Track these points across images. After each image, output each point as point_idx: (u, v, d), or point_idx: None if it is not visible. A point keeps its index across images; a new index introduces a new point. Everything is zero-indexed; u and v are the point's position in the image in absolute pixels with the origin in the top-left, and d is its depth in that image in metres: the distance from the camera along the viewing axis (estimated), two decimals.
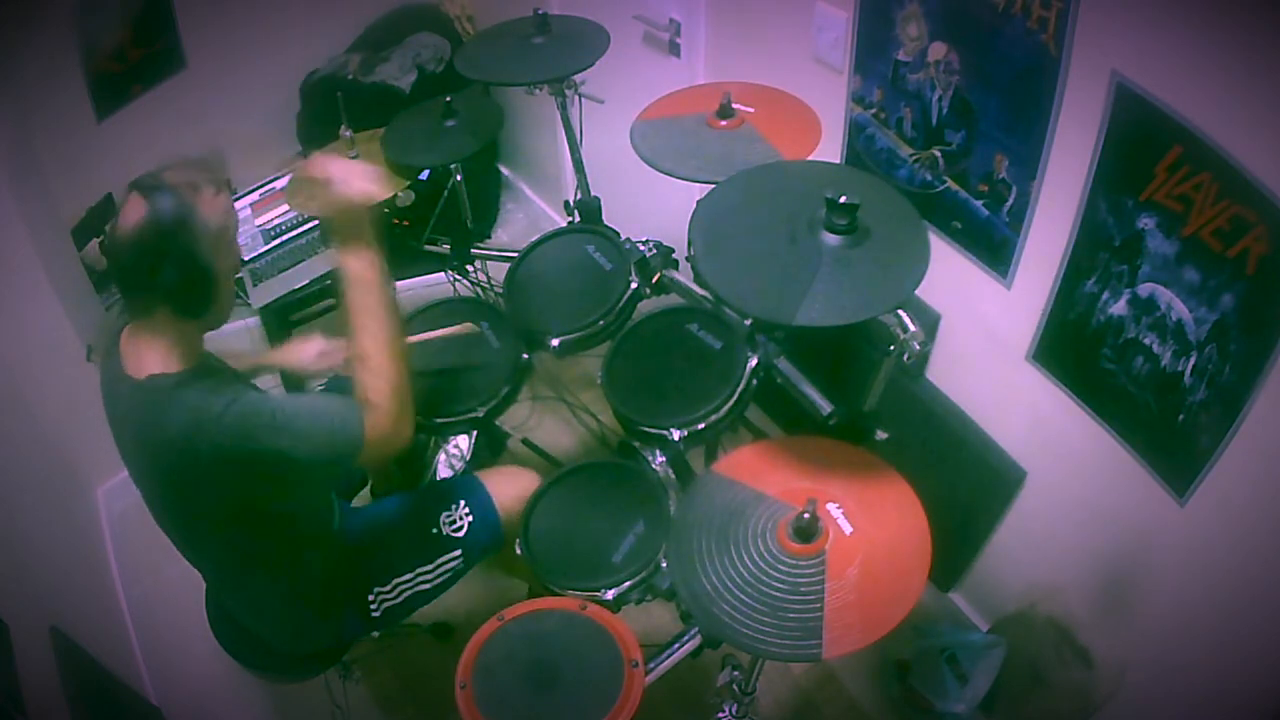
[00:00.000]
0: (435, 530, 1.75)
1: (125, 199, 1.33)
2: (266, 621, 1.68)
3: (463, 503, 1.79)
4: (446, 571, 1.75)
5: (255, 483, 1.38)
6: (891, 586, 1.21)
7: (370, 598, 1.69)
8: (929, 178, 1.86)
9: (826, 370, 1.72)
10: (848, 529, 1.26)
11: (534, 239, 2.08)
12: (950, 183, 1.82)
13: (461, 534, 1.76)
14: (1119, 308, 1.58)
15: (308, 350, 1.84)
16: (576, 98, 2.12)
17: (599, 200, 2.17)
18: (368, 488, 2.21)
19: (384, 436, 1.43)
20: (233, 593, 1.68)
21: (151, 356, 1.37)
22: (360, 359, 1.46)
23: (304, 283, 2.79)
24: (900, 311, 1.41)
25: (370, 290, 1.47)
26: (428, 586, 1.73)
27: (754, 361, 1.70)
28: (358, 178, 1.49)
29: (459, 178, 2.35)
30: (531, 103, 2.60)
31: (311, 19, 3.10)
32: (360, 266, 1.47)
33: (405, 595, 1.72)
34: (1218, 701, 1.59)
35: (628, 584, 1.60)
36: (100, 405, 1.49)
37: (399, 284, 2.58)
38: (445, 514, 1.77)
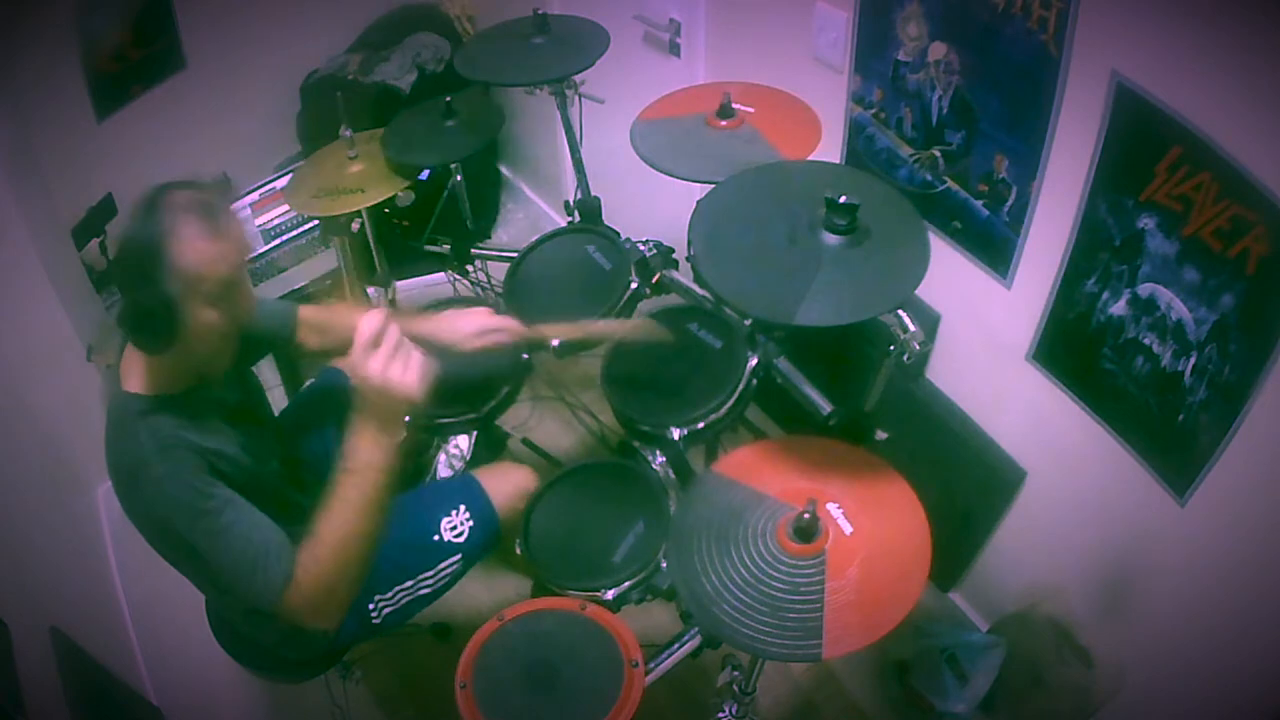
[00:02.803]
0: (436, 537, 1.74)
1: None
2: (262, 631, 1.67)
3: (463, 507, 1.78)
4: (446, 575, 1.74)
5: (183, 547, 1.31)
6: (891, 586, 1.21)
7: (370, 605, 1.68)
8: (929, 178, 1.86)
9: (826, 370, 1.72)
10: (848, 529, 1.26)
11: (534, 239, 2.08)
12: (950, 183, 1.82)
13: (462, 539, 1.75)
14: (1119, 308, 1.58)
15: (468, 322, 1.69)
16: (576, 98, 2.11)
17: (599, 200, 2.17)
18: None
19: (297, 614, 1.34)
20: (221, 604, 1.67)
21: (134, 372, 1.35)
22: (311, 536, 1.33)
23: (304, 283, 2.80)
24: (900, 311, 1.41)
25: (365, 484, 1.32)
26: (428, 591, 1.73)
27: (754, 361, 1.70)
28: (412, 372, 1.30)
29: (459, 178, 2.35)
30: (531, 103, 2.60)
31: (311, 19, 3.10)
32: (370, 454, 1.32)
33: (405, 601, 1.71)
34: (1218, 701, 1.59)
35: (628, 584, 1.60)
36: (99, 405, 1.48)
37: (399, 284, 2.58)
38: (446, 519, 1.76)
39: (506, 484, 1.83)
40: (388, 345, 1.27)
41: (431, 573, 1.72)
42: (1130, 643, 1.78)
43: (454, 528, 1.76)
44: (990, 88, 1.65)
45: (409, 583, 1.71)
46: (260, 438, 1.56)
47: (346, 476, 1.32)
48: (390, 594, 1.70)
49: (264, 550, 1.32)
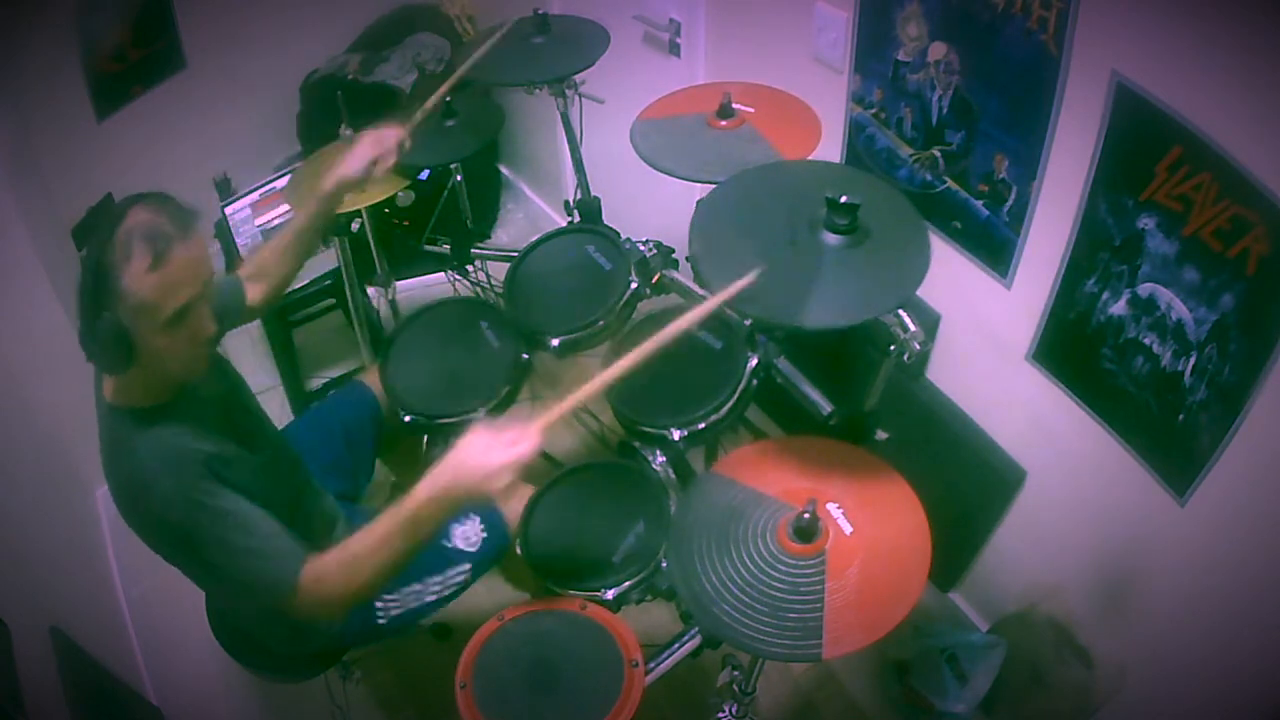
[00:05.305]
0: (448, 543, 1.75)
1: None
2: (266, 628, 1.67)
3: (476, 517, 1.79)
4: (454, 584, 1.74)
5: (196, 557, 1.33)
6: (891, 586, 1.21)
7: (378, 605, 1.68)
8: (929, 178, 1.86)
9: (826, 370, 1.72)
10: (848, 529, 1.26)
11: (534, 239, 2.08)
12: (950, 183, 1.82)
13: (474, 548, 1.76)
14: (1119, 308, 1.58)
15: (357, 157, 1.63)
16: (576, 98, 2.11)
17: (599, 200, 2.17)
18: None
19: (300, 615, 1.33)
20: (226, 604, 1.67)
21: (112, 382, 1.32)
22: (338, 548, 1.32)
23: (304, 283, 2.79)
24: (900, 311, 1.41)
25: (413, 533, 1.27)
26: (434, 598, 1.73)
27: (754, 361, 1.70)
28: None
29: (459, 178, 2.35)
30: (531, 103, 2.60)
31: (311, 19, 3.10)
32: (434, 513, 1.26)
33: (412, 605, 1.71)
34: (1218, 701, 1.59)
35: (628, 584, 1.60)
36: None
37: (399, 284, 2.58)
38: (459, 527, 1.76)
39: (521, 502, 1.83)
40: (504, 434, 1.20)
41: (440, 578, 1.73)
42: (1130, 643, 1.78)
43: (466, 536, 1.76)
44: (990, 88, 1.65)
45: (417, 586, 1.71)
46: (252, 425, 1.56)
47: (400, 518, 1.26)
48: (397, 596, 1.70)
49: (272, 555, 1.32)
